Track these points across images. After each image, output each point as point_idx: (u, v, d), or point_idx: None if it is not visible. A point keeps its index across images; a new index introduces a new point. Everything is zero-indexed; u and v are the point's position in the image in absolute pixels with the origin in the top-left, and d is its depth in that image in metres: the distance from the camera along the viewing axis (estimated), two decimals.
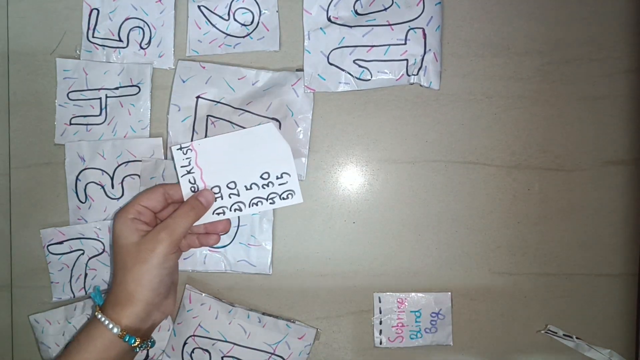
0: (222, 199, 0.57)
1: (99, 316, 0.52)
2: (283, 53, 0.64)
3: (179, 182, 0.58)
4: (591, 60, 0.63)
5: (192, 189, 0.57)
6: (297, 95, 0.63)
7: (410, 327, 0.65)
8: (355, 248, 0.65)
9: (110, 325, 0.51)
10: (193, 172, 0.56)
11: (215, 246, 0.65)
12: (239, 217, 0.64)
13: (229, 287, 0.66)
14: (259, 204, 0.57)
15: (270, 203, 0.57)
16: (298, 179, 0.57)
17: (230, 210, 0.57)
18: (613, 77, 0.63)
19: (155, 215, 0.56)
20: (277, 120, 0.63)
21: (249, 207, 0.57)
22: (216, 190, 0.57)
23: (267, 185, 0.56)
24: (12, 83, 0.67)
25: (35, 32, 0.66)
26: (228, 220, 0.58)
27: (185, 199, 0.57)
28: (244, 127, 0.64)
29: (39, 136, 0.67)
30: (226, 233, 0.60)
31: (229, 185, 0.56)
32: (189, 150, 0.56)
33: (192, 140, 0.56)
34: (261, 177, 0.56)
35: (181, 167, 0.56)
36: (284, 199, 0.56)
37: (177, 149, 0.56)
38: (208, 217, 0.57)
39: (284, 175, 0.56)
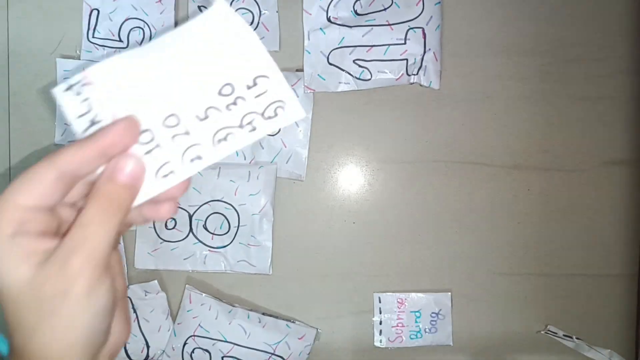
0: (160, 147, 0.31)
1: None
2: (283, 53, 0.64)
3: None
4: (591, 60, 0.63)
5: None
6: (297, 95, 0.63)
7: (410, 327, 0.65)
8: (355, 248, 0.65)
9: None
10: (99, 122, 0.31)
11: (215, 246, 0.65)
12: (238, 217, 0.64)
13: (229, 287, 0.66)
14: (229, 137, 0.31)
15: (250, 131, 0.31)
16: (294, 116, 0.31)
17: (183, 163, 0.31)
18: (613, 77, 0.63)
19: (54, 212, 0.30)
20: None
21: (214, 146, 0.31)
22: (146, 138, 0.31)
23: (235, 103, 0.31)
24: (13, 83, 0.67)
25: (36, 32, 0.66)
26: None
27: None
28: None
29: (39, 136, 0.67)
30: (182, 194, 0.33)
31: (166, 123, 0.31)
32: (84, 87, 0.31)
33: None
34: (220, 93, 0.31)
35: (78, 117, 0.31)
36: (270, 118, 0.31)
37: (65, 90, 0.31)
38: (152, 187, 0.31)
39: (258, 80, 0.31)
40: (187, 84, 0.31)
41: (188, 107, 0.31)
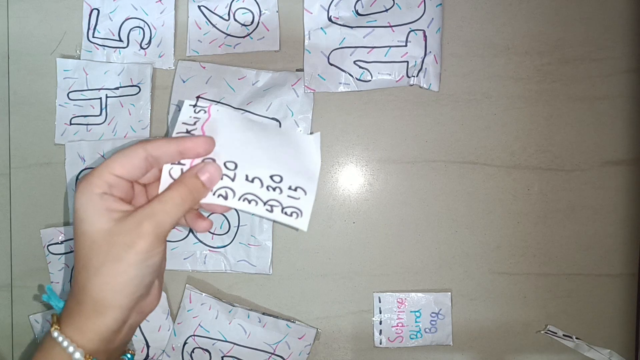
0: None
1: (55, 334, 0.37)
2: (283, 53, 0.64)
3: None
4: (591, 60, 0.63)
5: None
6: (297, 95, 0.63)
7: (410, 327, 0.65)
8: (355, 248, 0.65)
9: (71, 349, 0.36)
10: (192, 134, 0.42)
11: (215, 246, 0.65)
12: (239, 217, 0.64)
13: (229, 287, 0.66)
14: (252, 203, 0.40)
15: (267, 210, 0.40)
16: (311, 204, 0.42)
17: (214, 194, 0.40)
18: (612, 77, 0.63)
19: (133, 186, 0.40)
20: (277, 120, 0.63)
21: (239, 200, 0.40)
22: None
23: (274, 189, 0.41)
24: (13, 83, 0.67)
25: (36, 32, 0.66)
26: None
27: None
28: None
29: (39, 136, 0.67)
30: (223, 211, 0.43)
31: (227, 165, 0.41)
32: (201, 111, 0.42)
33: (211, 104, 0.44)
34: (271, 177, 0.41)
35: (183, 123, 0.41)
36: (285, 214, 0.41)
37: (190, 105, 0.42)
38: None
39: (299, 189, 0.41)
40: (258, 155, 0.42)
41: (246, 167, 0.41)
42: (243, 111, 0.63)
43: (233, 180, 0.41)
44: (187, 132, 0.41)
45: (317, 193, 0.65)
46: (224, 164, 0.41)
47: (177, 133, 0.41)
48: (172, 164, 0.40)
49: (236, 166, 0.41)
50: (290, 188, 0.41)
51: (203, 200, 0.40)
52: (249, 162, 0.41)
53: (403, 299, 0.65)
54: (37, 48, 0.66)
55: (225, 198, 0.40)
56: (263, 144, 0.42)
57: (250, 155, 0.42)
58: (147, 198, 0.42)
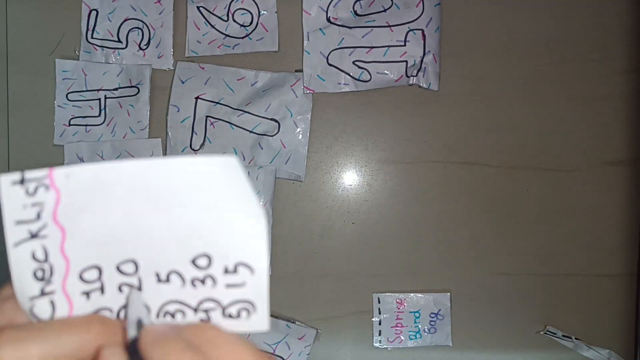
0: (102, 293, 0.24)
1: None
2: (282, 54, 0.64)
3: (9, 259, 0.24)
4: (589, 60, 0.63)
5: (41, 274, 0.23)
6: (296, 96, 0.63)
7: (409, 328, 0.65)
8: (354, 249, 0.65)
9: None
10: (44, 237, 0.23)
11: None
12: None
13: None
14: (177, 315, 0.25)
15: (202, 319, 0.25)
16: (267, 257, 0.25)
17: (118, 317, 0.25)
18: (611, 77, 0.63)
19: None
20: (276, 121, 0.63)
21: (157, 317, 0.25)
22: (92, 275, 0.24)
23: (203, 281, 0.25)
24: (11, 84, 0.67)
25: (34, 32, 0.66)
26: None
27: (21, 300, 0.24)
28: (243, 129, 0.64)
29: (37, 137, 0.66)
30: None
31: (121, 269, 0.24)
32: (40, 188, 0.22)
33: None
34: (194, 262, 0.24)
35: (17, 222, 0.22)
36: (230, 316, 0.25)
37: (16, 183, 0.22)
38: None
39: (240, 268, 0.25)
40: (164, 230, 0.24)
41: (152, 259, 0.25)
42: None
43: (140, 290, 0.25)
44: (32, 236, 0.23)
45: (317, 193, 0.65)
46: (117, 269, 0.24)
47: (16, 245, 0.22)
48: None
49: (136, 268, 0.25)
50: (227, 271, 0.25)
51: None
52: (155, 249, 0.24)
53: (402, 300, 0.65)
54: (35, 49, 0.66)
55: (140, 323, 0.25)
56: (164, 207, 0.24)
57: (150, 236, 0.24)
58: None
